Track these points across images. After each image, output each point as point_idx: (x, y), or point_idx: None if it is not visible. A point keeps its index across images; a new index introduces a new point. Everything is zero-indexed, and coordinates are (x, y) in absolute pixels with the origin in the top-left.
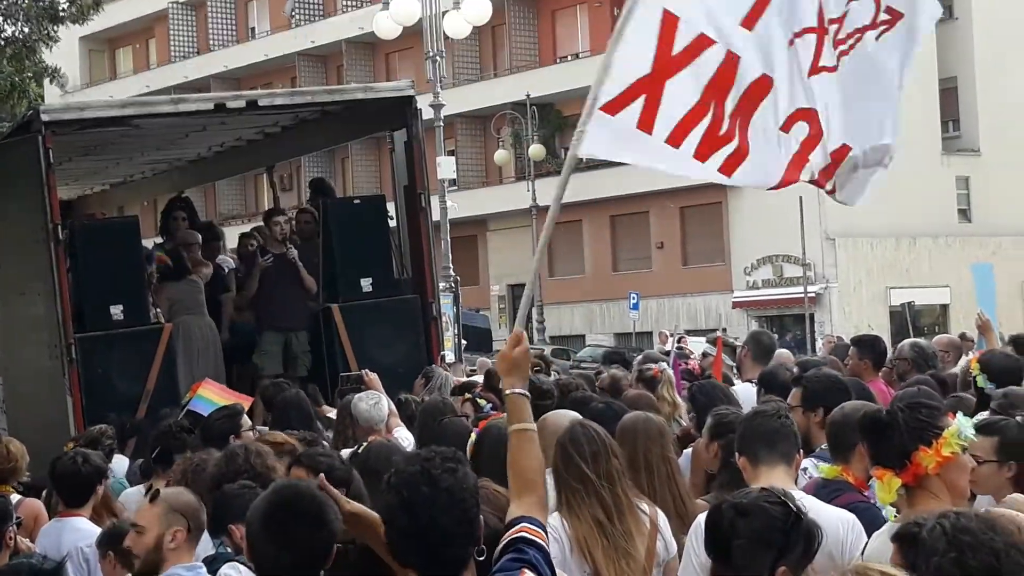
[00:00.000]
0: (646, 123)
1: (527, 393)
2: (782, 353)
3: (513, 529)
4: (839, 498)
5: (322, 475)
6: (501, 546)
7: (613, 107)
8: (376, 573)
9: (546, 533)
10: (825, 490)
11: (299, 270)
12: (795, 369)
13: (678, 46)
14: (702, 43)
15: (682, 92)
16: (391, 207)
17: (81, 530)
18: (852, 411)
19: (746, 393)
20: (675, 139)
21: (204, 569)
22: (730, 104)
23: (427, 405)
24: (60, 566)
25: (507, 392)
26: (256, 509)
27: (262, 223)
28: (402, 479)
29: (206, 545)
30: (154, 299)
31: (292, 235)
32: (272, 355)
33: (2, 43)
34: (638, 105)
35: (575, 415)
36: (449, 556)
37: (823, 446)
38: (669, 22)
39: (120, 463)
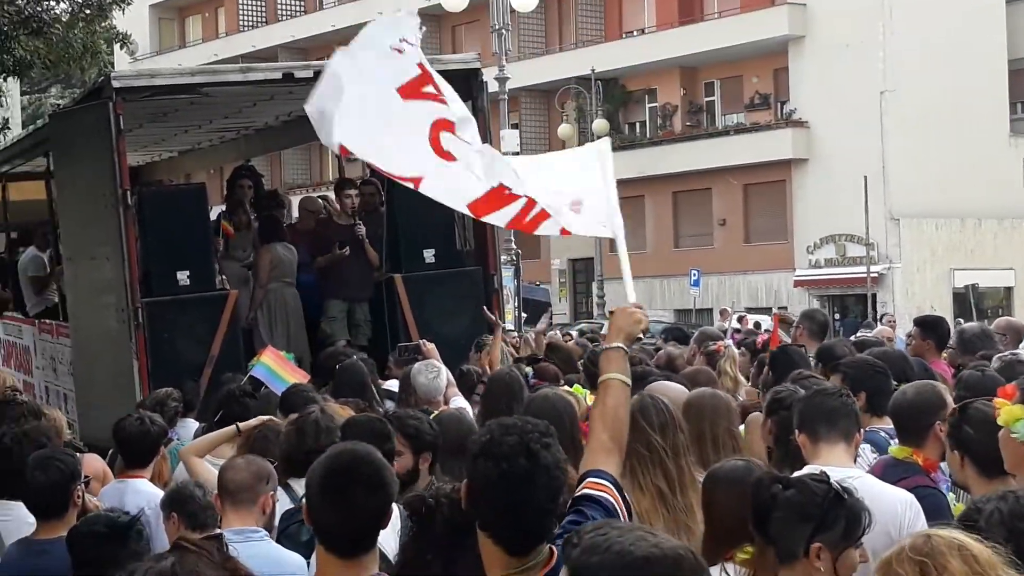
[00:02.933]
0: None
1: (618, 345)
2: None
3: (582, 484)
4: (905, 480)
5: None
6: (568, 506)
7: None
8: (466, 524)
9: (616, 487)
10: (894, 470)
11: (364, 244)
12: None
13: None
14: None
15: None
16: None
17: (143, 491)
18: (922, 392)
19: None
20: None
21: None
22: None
23: (496, 375)
24: (135, 518)
25: (606, 347)
26: (314, 473)
27: (330, 193)
28: (501, 450)
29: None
30: (220, 267)
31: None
32: (339, 321)
33: (78, 4)
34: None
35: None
36: (536, 529)
37: (867, 428)
38: None
39: (187, 426)
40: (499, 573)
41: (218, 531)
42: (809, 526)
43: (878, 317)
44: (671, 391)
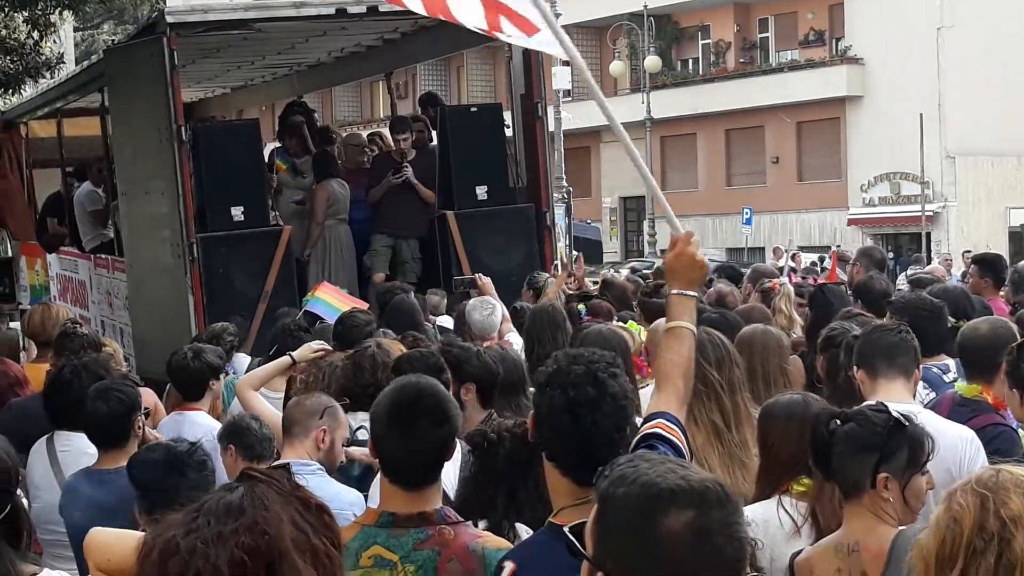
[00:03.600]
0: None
1: (689, 293)
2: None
3: (648, 424)
4: (975, 419)
5: None
6: (635, 441)
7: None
8: (528, 459)
9: (682, 432)
10: (963, 409)
11: (414, 187)
12: (906, 286)
13: None
14: None
15: None
16: (507, 116)
17: (200, 424)
18: (996, 328)
19: None
20: None
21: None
22: None
23: (536, 310)
24: (194, 447)
25: (668, 293)
26: (380, 406)
27: (383, 130)
28: (569, 379)
29: None
30: (274, 203)
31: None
32: (380, 255)
33: None
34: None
35: None
36: (603, 458)
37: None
38: None
39: (241, 361)
40: (567, 502)
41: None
42: (873, 457)
43: (929, 256)
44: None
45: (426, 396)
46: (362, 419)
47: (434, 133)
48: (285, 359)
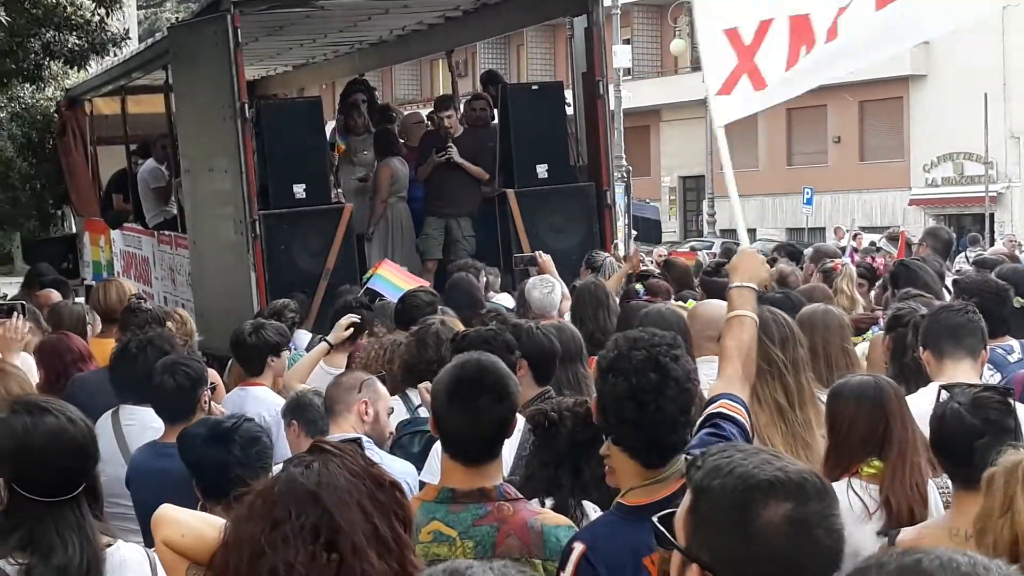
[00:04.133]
0: (758, 83)
1: (749, 285)
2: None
3: (713, 404)
4: None
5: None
6: (700, 420)
7: (727, 88)
8: (590, 438)
9: (747, 411)
10: None
11: (460, 165)
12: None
13: (747, 38)
14: (764, 26)
15: (773, 47)
16: (568, 94)
17: (263, 399)
18: None
19: None
20: (790, 63)
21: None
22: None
23: (581, 288)
24: (238, 423)
25: (729, 288)
26: (441, 382)
27: (434, 109)
28: (631, 365)
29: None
30: (337, 180)
31: (467, 123)
32: (432, 239)
33: None
34: (745, 80)
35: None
36: (669, 441)
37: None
38: (731, 33)
39: (301, 337)
40: (635, 483)
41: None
42: (1010, 437)
43: (992, 237)
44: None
45: (487, 373)
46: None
47: (495, 111)
48: (323, 345)
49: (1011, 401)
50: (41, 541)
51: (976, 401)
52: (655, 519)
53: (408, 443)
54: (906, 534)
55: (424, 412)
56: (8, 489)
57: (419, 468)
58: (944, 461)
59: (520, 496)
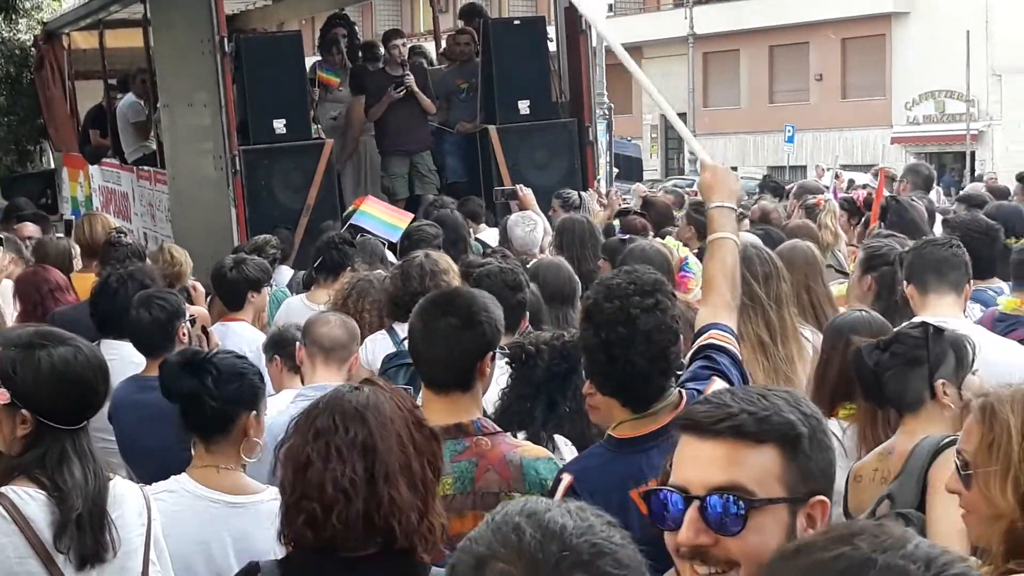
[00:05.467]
0: None
1: (728, 205)
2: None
3: (703, 336)
4: (1014, 332)
5: None
6: (691, 352)
7: None
8: (567, 370)
9: (735, 338)
10: (1001, 324)
11: (415, 95)
12: (955, 205)
13: None
14: None
15: None
16: (550, 30)
17: (243, 334)
18: None
19: None
20: None
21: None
22: None
23: (565, 223)
24: (208, 355)
25: (708, 208)
26: (416, 306)
27: (425, 44)
28: (602, 318)
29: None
30: (316, 115)
31: (450, 57)
32: (399, 177)
33: None
34: None
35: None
36: (644, 392)
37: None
38: None
39: (282, 273)
40: (622, 418)
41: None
42: (924, 369)
43: (973, 174)
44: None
45: (457, 297)
46: None
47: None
48: None
49: (933, 326)
50: (63, 469)
51: (894, 341)
52: (716, 505)
53: (394, 375)
54: (858, 462)
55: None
56: (33, 419)
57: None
58: (881, 403)
59: (498, 429)
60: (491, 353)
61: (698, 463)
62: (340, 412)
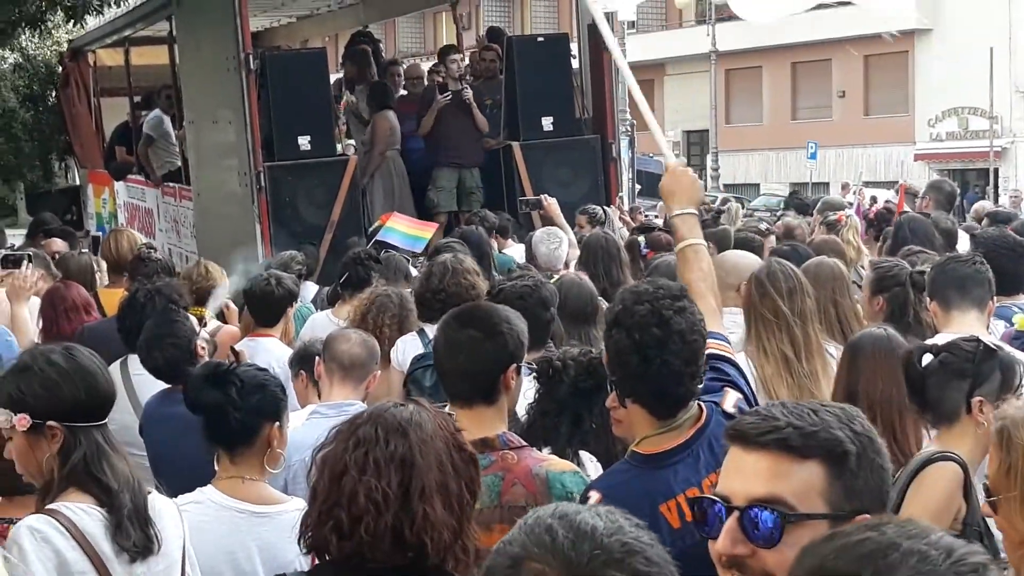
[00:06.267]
0: None
1: (690, 211)
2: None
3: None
4: None
5: None
6: None
7: None
8: (593, 387)
9: (728, 343)
10: (1016, 342)
11: (472, 109)
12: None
13: None
14: None
15: None
16: (574, 47)
17: (272, 350)
18: None
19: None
20: None
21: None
22: None
23: (590, 240)
24: (232, 367)
25: (671, 217)
26: (440, 322)
27: (438, 61)
28: (633, 321)
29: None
30: (347, 128)
31: (467, 75)
32: (446, 191)
33: None
34: None
35: (752, 256)
36: (676, 394)
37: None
38: None
39: (307, 288)
40: (648, 432)
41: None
42: (965, 383)
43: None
44: (743, 259)
45: (479, 309)
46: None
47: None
48: None
49: (987, 345)
50: (104, 466)
51: (945, 348)
52: (756, 517)
53: (421, 377)
54: None
55: None
56: (62, 428)
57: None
58: (923, 408)
59: (524, 444)
60: (514, 366)
61: (741, 474)
62: (383, 424)
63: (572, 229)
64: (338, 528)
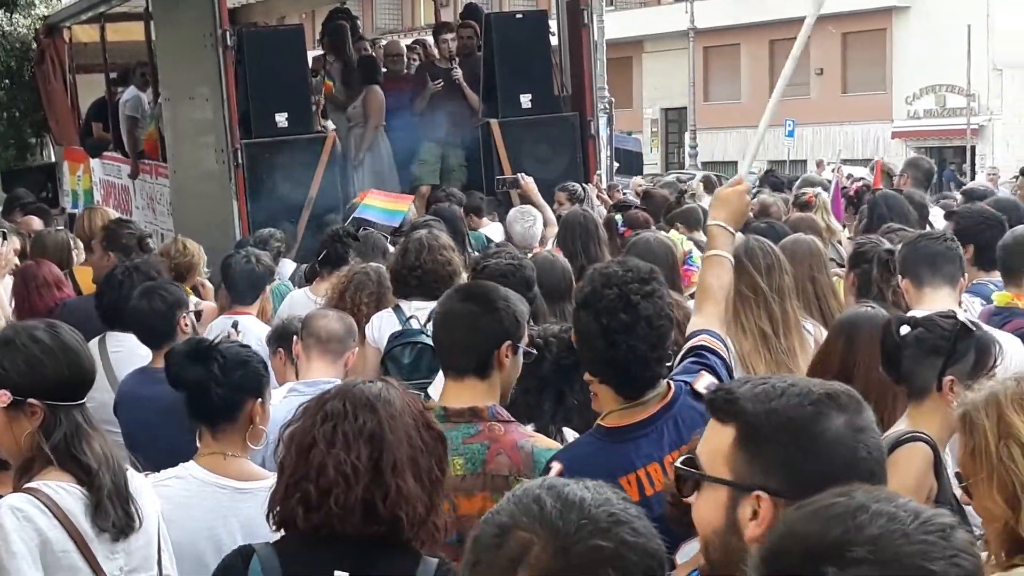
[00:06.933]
0: None
1: (730, 228)
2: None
3: (695, 339)
4: (1008, 324)
5: None
6: (682, 352)
7: None
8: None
9: (725, 346)
10: (996, 318)
11: (463, 89)
12: (959, 198)
13: None
14: None
15: None
16: (552, 23)
17: (249, 327)
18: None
19: None
20: None
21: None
22: None
23: (568, 217)
24: (214, 343)
25: (710, 224)
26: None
27: (427, 38)
28: (602, 305)
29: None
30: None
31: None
32: (429, 165)
33: None
34: None
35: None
36: (642, 376)
37: (975, 282)
38: None
39: (285, 266)
40: (613, 407)
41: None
42: (939, 360)
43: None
44: None
45: (479, 286)
46: (416, 307)
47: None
48: None
49: (964, 323)
50: (83, 446)
51: (923, 322)
52: (678, 464)
53: (399, 354)
54: None
55: (415, 323)
56: (42, 406)
57: (408, 378)
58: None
59: (512, 419)
60: (509, 342)
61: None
62: (352, 399)
63: (552, 207)
64: (305, 500)
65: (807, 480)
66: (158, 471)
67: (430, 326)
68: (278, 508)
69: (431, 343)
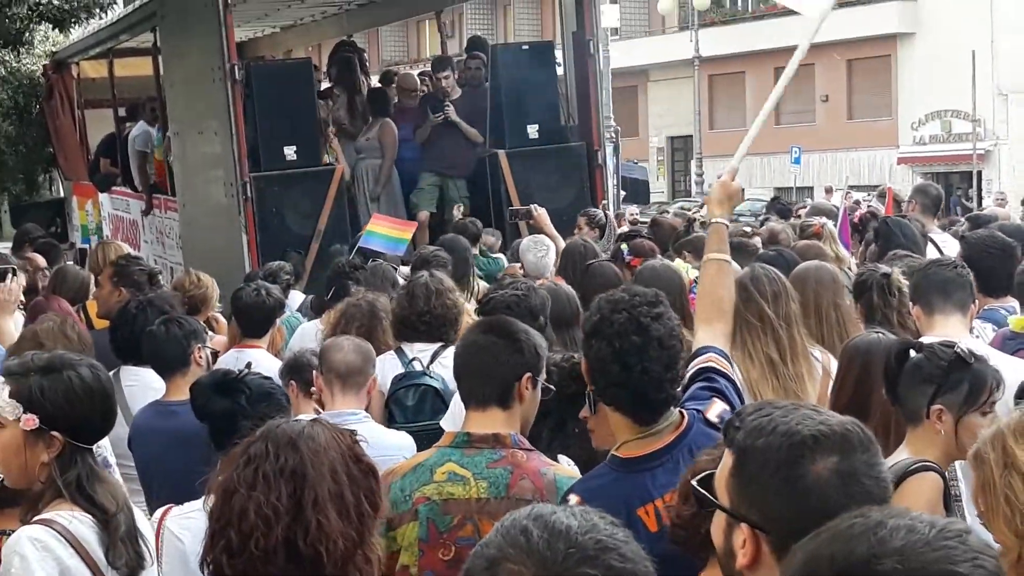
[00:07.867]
0: None
1: (724, 221)
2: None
3: (701, 357)
4: (1022, 351)
5: None
6: (690, 374)
7: None
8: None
9: (731, 364)
10: (1012, 342)
11: (458, 126)
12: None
13: None
14: None
15: None
16: (558, 54)
17: (260, 361)
18: None
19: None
20: None
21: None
22: None
23: (569, 246)
24: (241, 375)
25: (712, 220)
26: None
27: (429, 69)
28: (613, 330)
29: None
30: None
31: (461, 84)
32: (427, 193)
33: None
34: None
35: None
36: (657, 400)
37: (985, 308)
38: None
39: (294, 298)
40: (628, 437)
41: (321, 413)
42: (930, 388)
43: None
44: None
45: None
46: (418, 350)
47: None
48: None
49: (962, 354)
50: (97, 489)
51: (923, 349)
52: (694, 482)
53: (403, 396)
54: None
55: (417, 366)
56: (64, 442)
57: (412, 420)
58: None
59: (533, 448)
60: (530, 375)
61: None
62: (273, 440)
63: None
64: (228, 548)
65: (781, 520)
66: (171, 504)
67: (433, 368)
68: (209, 557)
69: (435, 385)
